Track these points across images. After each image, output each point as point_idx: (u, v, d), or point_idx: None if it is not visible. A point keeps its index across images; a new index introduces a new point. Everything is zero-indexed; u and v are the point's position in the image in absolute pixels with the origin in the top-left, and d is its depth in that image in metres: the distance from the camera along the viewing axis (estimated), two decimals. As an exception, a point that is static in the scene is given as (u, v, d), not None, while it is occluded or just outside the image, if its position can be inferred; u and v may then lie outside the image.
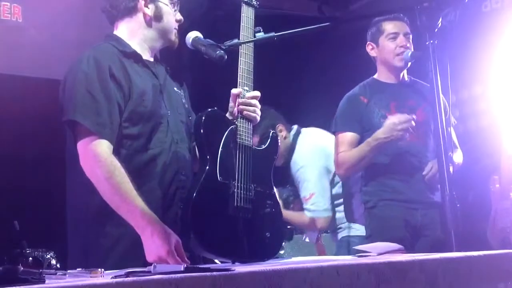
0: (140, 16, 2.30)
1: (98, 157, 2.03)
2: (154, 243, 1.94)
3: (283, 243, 4.12)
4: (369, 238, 3.28)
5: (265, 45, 2.24)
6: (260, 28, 2.25)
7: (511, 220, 3.79)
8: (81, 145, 2.07)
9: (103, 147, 2.05)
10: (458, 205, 2.13)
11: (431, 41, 2.12)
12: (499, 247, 3.74)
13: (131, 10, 2.30)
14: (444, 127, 2.24)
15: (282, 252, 4.24)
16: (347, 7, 4.88)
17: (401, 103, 3.31)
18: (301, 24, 2.19)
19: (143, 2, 2.29)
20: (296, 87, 4.92)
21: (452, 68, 2.31)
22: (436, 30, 2.14)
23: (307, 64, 4.75)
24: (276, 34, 2.16)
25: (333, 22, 2.00)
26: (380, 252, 2.03)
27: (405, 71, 3.38)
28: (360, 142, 3.29)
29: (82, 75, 2.12)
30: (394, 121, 3.10)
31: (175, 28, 2.36)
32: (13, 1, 4.00)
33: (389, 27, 3.32)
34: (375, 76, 3.44)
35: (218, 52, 2.10)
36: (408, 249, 3.02)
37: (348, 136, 3.30)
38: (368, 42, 3.41)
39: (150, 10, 2.30)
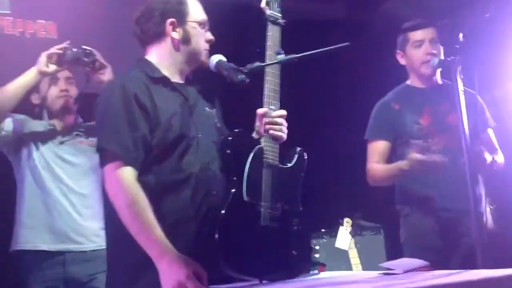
0: (168, 40, 2.31)
1: (122, 183, 2.08)
2: (172, 269, 1.94)
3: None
4: (403, 244, 3.32)
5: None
6: (282, 50, 2.27)
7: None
8: (106, 170, 2.13)
9: (127, 173, 2.09)
10: (486, 216, 2.11)
11: (452, 57, 2.12)
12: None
13: (159, 35, 2.32)
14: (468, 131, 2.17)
15: (317, 255, 4.32)
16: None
17: (434, 108, 3.29)
18: (327, 28, 2.16)
19: (171, 27, 2.30)
20: (326, 96, 4.91)
21: (486, 67, 2.30)
22: (457, 46, 2.14)
23: (336, 73, 4.74)
24: (297, 55, 2.18)
25: (351, 42, 2.01)
26: (405, 270, 2.05)
27: (438, 75, 3.35)
28: (393, 148, 3.30)
29: (109, 104, 2.18)
30: (416, 160, 3.03)
31: (205, 49, 2.36)
32: (48, 18, 4.13)
33: (414, 35, 3.29)
34: (408, 82, 3.43)
35: (239, 76, 2.13)
36: (442, 258, 3.02)
37: (379, 145, 3.32)
38: (397, 51, 3.41)
39: (177, 34, 2.30)
